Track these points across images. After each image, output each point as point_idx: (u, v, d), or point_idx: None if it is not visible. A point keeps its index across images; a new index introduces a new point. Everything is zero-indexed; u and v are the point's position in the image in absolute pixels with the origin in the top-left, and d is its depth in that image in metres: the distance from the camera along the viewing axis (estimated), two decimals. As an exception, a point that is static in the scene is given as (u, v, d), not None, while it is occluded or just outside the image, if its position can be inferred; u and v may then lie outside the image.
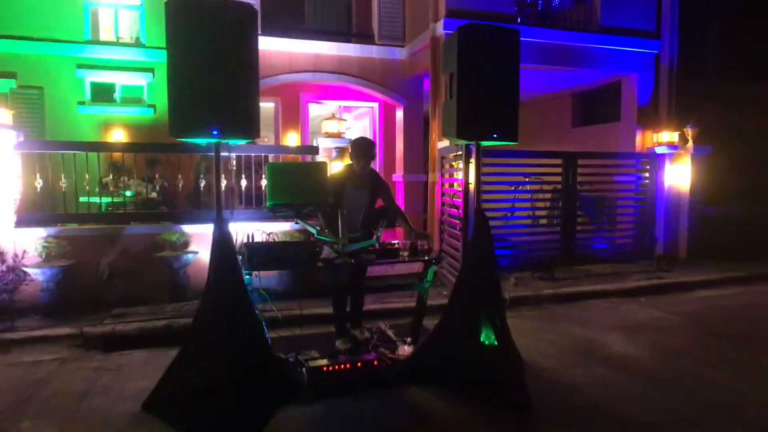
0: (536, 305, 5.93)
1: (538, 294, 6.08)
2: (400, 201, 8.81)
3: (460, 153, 5.83)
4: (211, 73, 2.67)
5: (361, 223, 4.03)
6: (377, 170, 10.14)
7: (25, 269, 4.97)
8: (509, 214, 7.26)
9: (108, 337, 4.48)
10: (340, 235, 3.57)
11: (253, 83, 2.84)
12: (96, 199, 6.54)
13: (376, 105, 9.60)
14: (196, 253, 5.53)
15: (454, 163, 6.27)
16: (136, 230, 5.50)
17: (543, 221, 7.77)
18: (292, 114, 9.12)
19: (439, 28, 7.00)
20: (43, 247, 4.98)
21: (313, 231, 3.56)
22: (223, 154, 3.09)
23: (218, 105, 2.69)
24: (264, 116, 9.52)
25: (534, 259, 6.95)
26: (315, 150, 6.09)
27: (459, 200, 5.46)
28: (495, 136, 3.28)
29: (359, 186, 4.07)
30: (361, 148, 3.99)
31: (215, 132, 2.69)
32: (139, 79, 8.25)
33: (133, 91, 8.36)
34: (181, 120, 2.66)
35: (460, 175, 6.05)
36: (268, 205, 3.21)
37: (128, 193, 6.94)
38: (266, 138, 10.74)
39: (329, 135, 6.16)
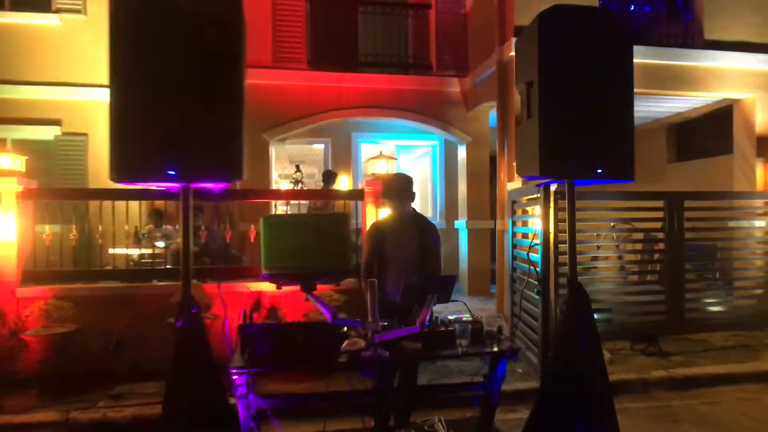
0: (644, 393, 4.50)
1: (644, 377, 4.63)
2: (464, 251, 7.66)
3: (535, 196, 4.67)
4: (169, 92, 1.81)
5: (403, 289, 3.02)
6: (435, 216, 9.18)
7: (23, 335, 4.31)
8: (596, 269, 5.90)
9: (96, 426, 3.65)
10: (369, 313, 2.52)
11: (235, 109, 1.95)
12: (134, 251, 6.01)
13: (437, 143, 8.66)
14: (216, 317, 4.68)
15: (528, 209, 5.10)
16: (150, 290, 4.75)
17: (636, 277, 6.29)
18: (344, 155, 8.37)
19: (507, 51, 6.00)
20: (42, 311, 4.33)
21: (322, 308, 2.51)
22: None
23: (179, 137, 1.81)
24: (315, 158, 8.84)
25: (634, 327, 5.50)
26: (359, 194, 5.17)
27: (536, 254, 4.28)
28: (599, 171, 2.15)
29: (400, 232, 3.13)
30: (394, 187, 3.08)
31: (171, 172, 1.80)
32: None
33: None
34: (124, 157, 1.80)
35: (536, 224, 4.86)
36: (264, 271, 2.25)
37: (161, 244, 6.34)
38: (315, 183, 10.08)
39: (377, 178, 5.24)
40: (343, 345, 2.45)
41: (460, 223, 7.72)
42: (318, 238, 2.26)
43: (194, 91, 1.85)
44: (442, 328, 2.73)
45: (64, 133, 7.54)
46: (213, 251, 5.49)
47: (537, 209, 4.87)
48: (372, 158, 5.29)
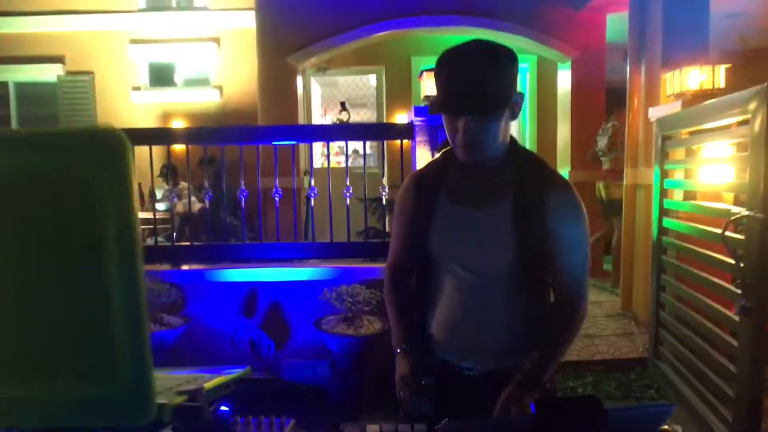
0: None
1: None
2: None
3: (714, 127, 2.51)
4: None
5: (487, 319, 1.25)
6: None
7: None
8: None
9: None
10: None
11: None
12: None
13: (526, 65, 6.39)
14: (188, 322, 3.13)
15: (696, 147, 2.91)
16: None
17: None
18: (401, 87, 6.39)
19: None
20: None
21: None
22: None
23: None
24: (364, 91, 6.89)
25: None
26: (406, 131, 3.27)
27: (733, 231, 2.19)
28: None
29: (474, 199, 1.23)
30: (459, 76, 1.10)
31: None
32: (202, 54, 6.31)
33: (195, 71, 6.47)
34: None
35: (728, 173, 2.70)
36: None
37: (161, 207, 4.93)
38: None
39: (431, 101, 3.30)
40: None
41: (562, 173, 5.55)
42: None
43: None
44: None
45: (68, 73, 6.30)
46: (195, 217, 3.90)
47: (726, 149, 2.70)
48: (426, 71, 3.32)
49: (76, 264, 0.58)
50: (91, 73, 6.33)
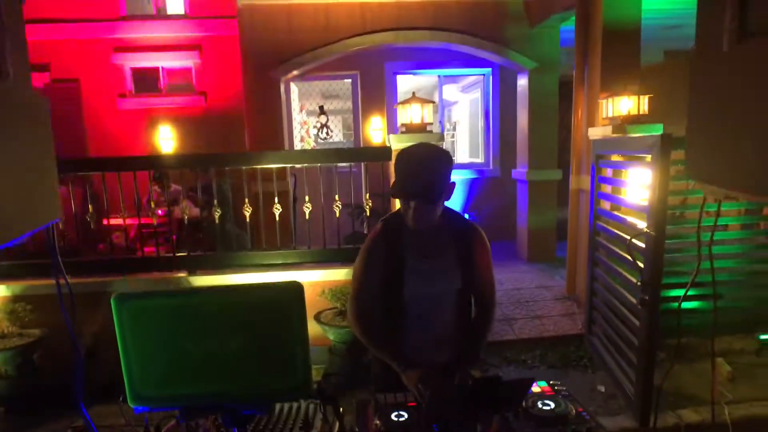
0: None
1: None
2: (523, 207, 6.26)
3: (638, 155, 3.19)
4: None
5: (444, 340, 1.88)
6: (487, 163, 7.63)
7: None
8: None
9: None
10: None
11: None
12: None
13: (489, 71, 7.00)
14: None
15: (623, 172, 3.63)
16: (121, 287, 3.80)
17: None
18: (375, 92, 6.92)
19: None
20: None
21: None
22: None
23: None
24: (339, 86, 7.36)
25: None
26: (384, 153, 3.86)
27: (641, 243, 2.89)
28: None
29: (429, 252, 1.84)
30: (412, 181, 1.69)
31: None
32: (185, 60, 6.64)
33: (179, 77, 6.79)
34: None
35: (640, 192, 3.42)
36: (131, 403, 1.09)
37: (161, 212, 5.37)
38: (337, 125, 8.76)
39: (410, 128, 3.87)
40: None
41: (519, 173, 6.25)
42: (243, 336, 1.06)
43: None
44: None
45: (54, 80, 6.53)
46: (205, 223, 4.39)
47: (640, 172, 3.40)
48: (401, 103, 3.89)
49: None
50: (77, 80, 6.58)
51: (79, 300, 3.69)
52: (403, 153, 1.71)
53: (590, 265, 3.94)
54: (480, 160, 7.52)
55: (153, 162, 4.46)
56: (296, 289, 1.11)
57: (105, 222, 4.89)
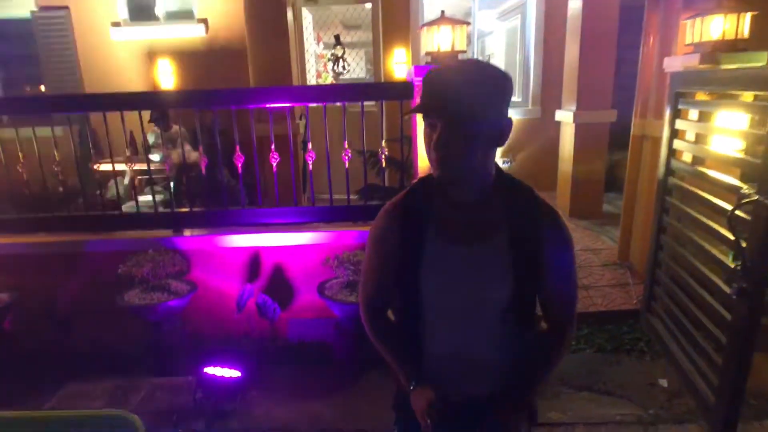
0: None
1: None
2: (566, 153, 5.44)
3: (739, 92, 2.37)
4: None
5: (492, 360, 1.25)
6: (526, 101, 6.64)
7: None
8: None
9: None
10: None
11: None
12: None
13: (532, -9, 5.95)
14: (194, 289, 3.18)
15: (712, 111, 2.78)
16: (98, 247, 3.30)
17: None
18: (399, 18, 6.00)
19: None
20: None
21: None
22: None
23: None
24: (359, 12, 6.40)
25: None
26: (405, 90, 3.10)
27: (743, 214, 2.15)
28: None
29: (464, 236, 1.17)
30: (442, 82, 1.05)
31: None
32: (183, -18, 5.84)
33: (177, 3, 6.02)
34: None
35: (738, 144, 2.62)
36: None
37: (156, 158, 4.80)
38: (360, 60, 7.84)
39: (436, 58, 3.06)
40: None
41: (565, 114, 5.36)
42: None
43: None
44: None
45: (42, 8, 5.87)
46: (195, 168, 3.78)
47: (739, 117, 2.59)
48: (426, 25, 3.06)
49: None
50: (66, 7, 5.90)
51: (53, 261, 3.22)
52: (434, 69, 1.08)
53: (656, 231, 3.20)
54: (517, 98, 6.60)
55: (151, 99, 3.82)
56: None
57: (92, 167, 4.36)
